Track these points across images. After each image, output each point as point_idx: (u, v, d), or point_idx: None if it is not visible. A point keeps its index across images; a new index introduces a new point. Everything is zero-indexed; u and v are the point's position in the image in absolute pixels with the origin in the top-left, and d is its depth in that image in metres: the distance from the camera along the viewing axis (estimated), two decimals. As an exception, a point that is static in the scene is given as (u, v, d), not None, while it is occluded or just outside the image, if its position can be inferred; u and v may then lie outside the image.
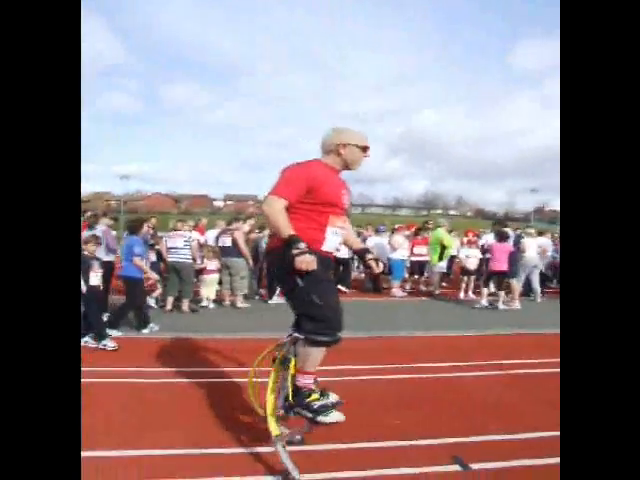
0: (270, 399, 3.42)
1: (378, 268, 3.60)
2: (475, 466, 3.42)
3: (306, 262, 2.95)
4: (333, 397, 3.28)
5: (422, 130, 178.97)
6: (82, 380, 3.97)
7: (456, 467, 3.41)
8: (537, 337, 7.87)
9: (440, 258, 12.73)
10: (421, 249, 13.12)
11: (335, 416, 3.12)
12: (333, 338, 3.12)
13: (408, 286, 13.52)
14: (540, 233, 13.33)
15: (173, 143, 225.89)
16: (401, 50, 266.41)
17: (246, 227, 11.00)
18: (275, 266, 3.41)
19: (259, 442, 3.66)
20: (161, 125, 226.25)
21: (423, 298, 12.45)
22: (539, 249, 12.07)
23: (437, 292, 12.94)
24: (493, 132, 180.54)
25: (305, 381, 3.22)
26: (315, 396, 3.18)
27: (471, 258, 12.49)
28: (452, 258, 13.69)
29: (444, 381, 5.37)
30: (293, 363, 3.28)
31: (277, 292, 10.38)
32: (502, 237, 11.24)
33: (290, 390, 3.24)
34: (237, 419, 4.17)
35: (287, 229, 3.07)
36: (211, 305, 10.18)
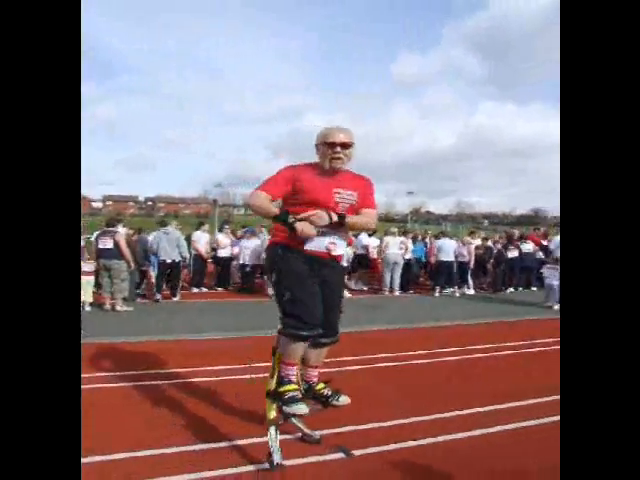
0: (268, 385, 3.56)
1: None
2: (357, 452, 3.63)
3: (306, 228, 3.18)
4: (343, 399, 3.56)
5: (306, 133, 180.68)
6: None
7: (339, 455, 3.57)
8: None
9: None
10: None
11: (299, 409, 3.26)
12: (302, 333, 3.24)
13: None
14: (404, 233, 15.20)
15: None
16: (288, 56, 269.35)
17: (123, 229, 11.06)
18: (267, 259, 3.62)
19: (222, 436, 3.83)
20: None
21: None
22: (401, 246, 13.61)
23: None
24: (375, 138, 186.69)
25: (286, 371, 3.40)
26: (290, 387, 3.34)
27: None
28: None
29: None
30: (277, 355, 3.52)
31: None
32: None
33: (274, 379, 3.48)
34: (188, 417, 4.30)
35: (272, 210, 3.31)
36: (87, 308, 9.69)
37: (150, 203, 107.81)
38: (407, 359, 6.49)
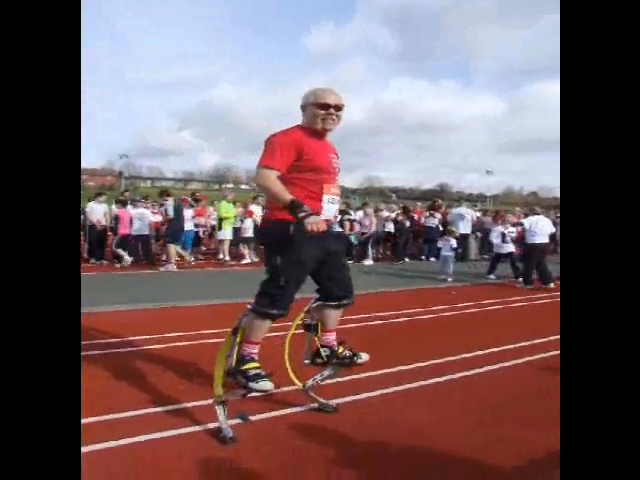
0: (218, 362, 3.43)
1: None
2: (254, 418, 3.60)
3: (316, 223, 2.88)
4: (364, 356, 3.65)
5: (217, 104, 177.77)
6: None
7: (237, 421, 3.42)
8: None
9: (219, 227, 13.98)
10: (199, 219, 14.16)
11: (265, 385, 3.18)
12: (272, 312, 3.19)
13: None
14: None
15: None
16: (201, 27, 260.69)
17: None
18: (272, 237, 3.29)
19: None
20: None
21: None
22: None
23: (227, 259, 13.91)
24: (285, 109, 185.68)
25: (249, 350, 3.29)
26: (252, 364, 3.25)
27: (249, 229, 13.76)
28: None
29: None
30: (240, 332, 3.34)
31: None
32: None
33: (235, 357, 3.32)
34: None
35: (286, 195, 3.02)
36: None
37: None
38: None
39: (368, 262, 14.45)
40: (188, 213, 13.22)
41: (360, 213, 15.95)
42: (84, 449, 2.81)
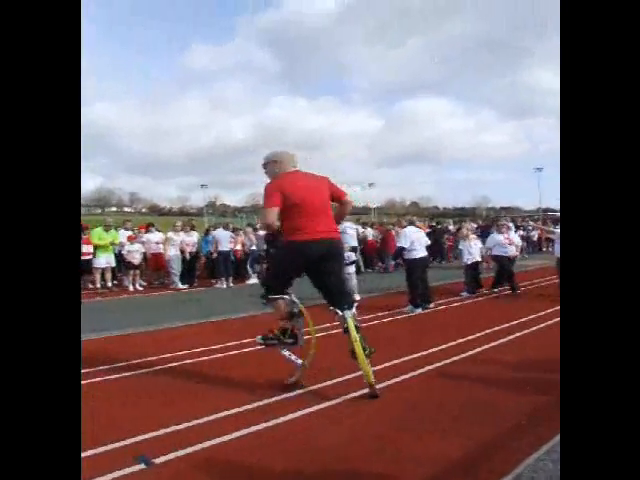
0: (361, 360, 4.38)
1: None
2: (159, 460, 3.59)
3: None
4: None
5: (96, 123, 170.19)
6: None
7: (140, 466, 3.43)
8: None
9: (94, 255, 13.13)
10: (86, 247, 13.01)
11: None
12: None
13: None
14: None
15: None
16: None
17: None
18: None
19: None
20: None
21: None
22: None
23: (109, 285, 13.23)
24: (165, 128, 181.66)
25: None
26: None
27: (133, 252, 13.20)
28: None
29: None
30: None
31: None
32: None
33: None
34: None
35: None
36: None
37: None
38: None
39: (253, 281, 14.16)
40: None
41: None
42: None
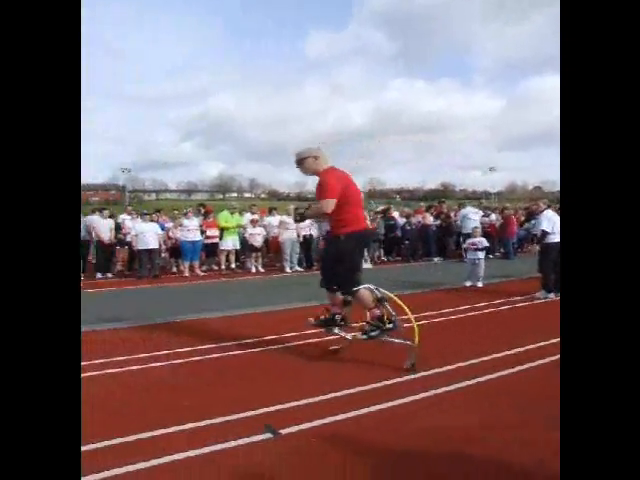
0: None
1: None
2: (285, 431, 3.74)
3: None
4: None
5: (217, 114, 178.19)
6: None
7: (267, 435, 3.66)
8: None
9: (221, 237, 13.71)
10: (211, 231, 13.66)
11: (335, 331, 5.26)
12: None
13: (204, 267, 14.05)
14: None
15: None
16: (196, 37, 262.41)
17: None
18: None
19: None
20: None
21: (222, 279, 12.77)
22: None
23: (232, 267, 13.81)
24: (286, 115, 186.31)
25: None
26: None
27: (255, 236, 13.60)
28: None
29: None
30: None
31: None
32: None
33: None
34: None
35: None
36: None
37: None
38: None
39: (367, 265, 14.18)
40: (193, 224, 13.11)
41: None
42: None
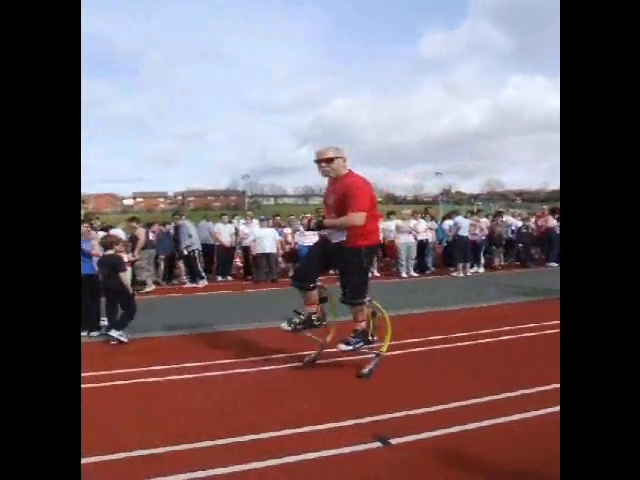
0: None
1: None
2: (394, 441, 3.50)
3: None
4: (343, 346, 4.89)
5: (332, 119, 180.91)
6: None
7: (377, 444, 3.51)
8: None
9: None
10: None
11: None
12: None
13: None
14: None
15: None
16: (306, 41, 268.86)
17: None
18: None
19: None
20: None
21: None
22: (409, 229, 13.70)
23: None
24: (401, 118, 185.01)
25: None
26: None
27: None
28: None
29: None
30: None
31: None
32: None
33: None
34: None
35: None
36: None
37: (180, 198, 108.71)
38: (444, 342, 6.28)
39: (480, 270, 14.12)
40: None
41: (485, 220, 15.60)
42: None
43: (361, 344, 4.93)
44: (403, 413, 3.95)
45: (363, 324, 4.97)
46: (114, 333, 6.69)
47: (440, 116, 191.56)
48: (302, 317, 5.06)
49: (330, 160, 4.77)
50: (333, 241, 4.80)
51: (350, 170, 4.87)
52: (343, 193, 4.67)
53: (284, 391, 4.58)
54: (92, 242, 8.24)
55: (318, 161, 4.81)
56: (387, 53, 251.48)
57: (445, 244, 14.89)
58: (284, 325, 5.01)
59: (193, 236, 12.47)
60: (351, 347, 4.85)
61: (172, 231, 13.11)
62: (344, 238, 4.72)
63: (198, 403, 4.35)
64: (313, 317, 5.08)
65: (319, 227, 4.91)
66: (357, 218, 4.58)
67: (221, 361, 5.55)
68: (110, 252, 7.17)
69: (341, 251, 4.75)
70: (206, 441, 3.55)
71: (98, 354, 6.08)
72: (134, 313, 7.01)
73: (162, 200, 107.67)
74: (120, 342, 6.64)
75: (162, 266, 13.03)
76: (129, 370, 5.35)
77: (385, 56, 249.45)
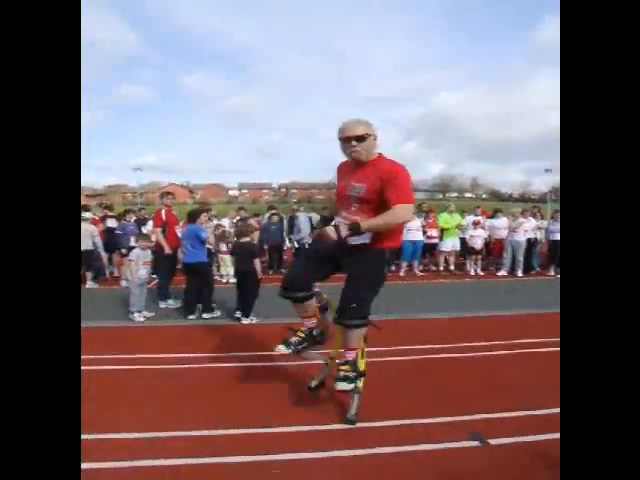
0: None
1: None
2: (492, 441, 3.50)
3: (325, 233, 3.48)
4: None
5: (439, 112, 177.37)
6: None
7: (474, 443, 3.49)
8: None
9: (441, 238, 13.68)
10: (432, 231, 13.67)
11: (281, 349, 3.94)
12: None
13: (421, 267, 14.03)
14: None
15: (188, 133, 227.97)
16: (415, 34, 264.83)
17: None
18: None
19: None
20: (176, 115, 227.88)
21: (440, 280, 12.64)
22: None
23: (451, 268, 13.68)
24: (512, 111, 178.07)
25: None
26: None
27: (475, 237, 13.28)
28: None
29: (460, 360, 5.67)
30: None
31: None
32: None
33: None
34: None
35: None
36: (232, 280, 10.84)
37: (283, 190, 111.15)
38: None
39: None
40: (415, 224, 13.12)
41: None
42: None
43: (362, 379, 4.04)
44: (504, 414, 3.92)
45: (355, 353, 3.91)
46: (206, 315, 7.81)
47: (555, 109, 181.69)
48: (301, 334, 4.07)
49: (361, 138, 3.61)
50: (353, 243, 3.61)
51: (381, 153, 3.79)
52: (381, 180, 3.55)
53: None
54: (208, 232, 8.89)
55: (346, 139, 3.64)
56: (502, 47, 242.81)
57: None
58: (281, 347, 3.98)
59: (303, 230, 13.23)
60: (353, 385, 3.80)
61: (286, 222, 13.66)
62: (368, 241, 3.65)
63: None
64: (314, 332, 4.12)
65: (357, 233, 3.53)
66: (406, 212, 3.55)
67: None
68: (246, 239, 7.81)
69: (358, 252, 3.66)
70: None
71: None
72: (257, 297, 7.68)
73: (266, 192, 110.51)
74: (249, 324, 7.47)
75: (267, 256, 13.55)
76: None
77: (499, 49, 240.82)
